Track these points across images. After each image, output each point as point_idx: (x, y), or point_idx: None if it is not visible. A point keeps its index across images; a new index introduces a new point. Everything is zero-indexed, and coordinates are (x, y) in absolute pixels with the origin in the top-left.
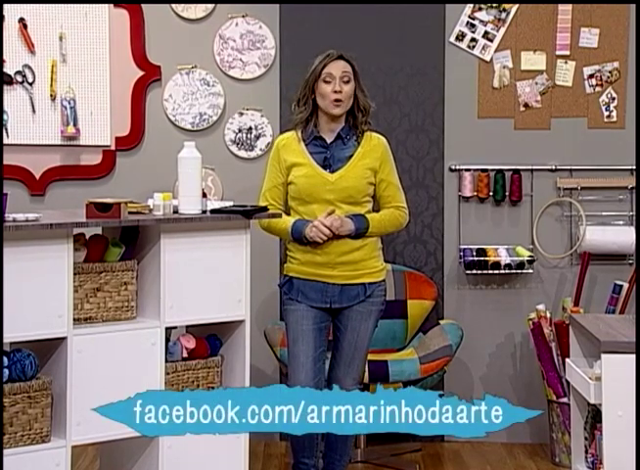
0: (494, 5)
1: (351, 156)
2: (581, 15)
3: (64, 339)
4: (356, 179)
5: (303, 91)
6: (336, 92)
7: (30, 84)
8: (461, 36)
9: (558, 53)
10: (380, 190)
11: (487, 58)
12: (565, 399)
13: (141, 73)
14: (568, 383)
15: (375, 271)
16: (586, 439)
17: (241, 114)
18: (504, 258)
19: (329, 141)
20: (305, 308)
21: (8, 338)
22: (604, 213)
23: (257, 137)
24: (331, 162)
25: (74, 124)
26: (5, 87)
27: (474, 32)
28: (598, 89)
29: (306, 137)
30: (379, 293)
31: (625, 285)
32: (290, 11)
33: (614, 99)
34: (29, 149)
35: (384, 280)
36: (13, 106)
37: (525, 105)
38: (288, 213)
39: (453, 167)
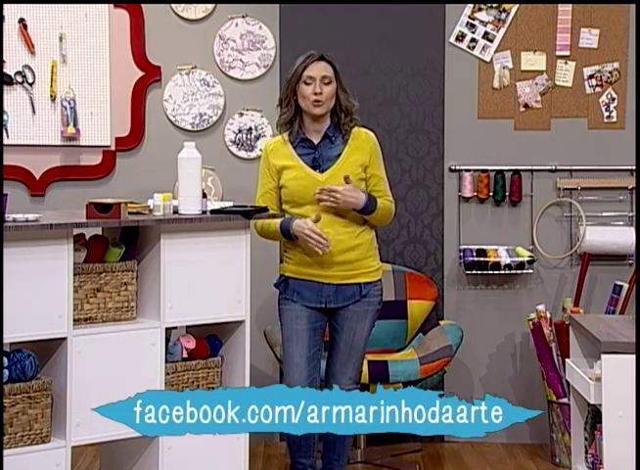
0: (494, 5)
1: (340, 154)
2: (581, 15)
3: (64, 339)
4: None
5: (285, 92)
6: (316, 94)
7: (30, 84)
8: (461, 37)
9: (558, 53)
10: (370, 185)
11: (487, 58)
12: (565, 400)
13: (141, 74)
14: (568, 383)
15: (371, 271)
16: (586, 439)
17: (241, 114)
18: (504, 259)
19: (316, 142)
20: (300, 308)
21: (8, 338)
22: (604, 214)
23: (257, 138)
24: (320, 162)
25: (74, 125)
26: (5, 87)
27: (474, 33)
28: (598, 90)
29: (293, 139)
30: (375, 292)
31: (625, 285)
32: (290, 11)
33: (614, 99)
34: (29, 149)
35: (380, 280)
36: (13, 106)
37: (525, 105)
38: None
39: (453, 168)
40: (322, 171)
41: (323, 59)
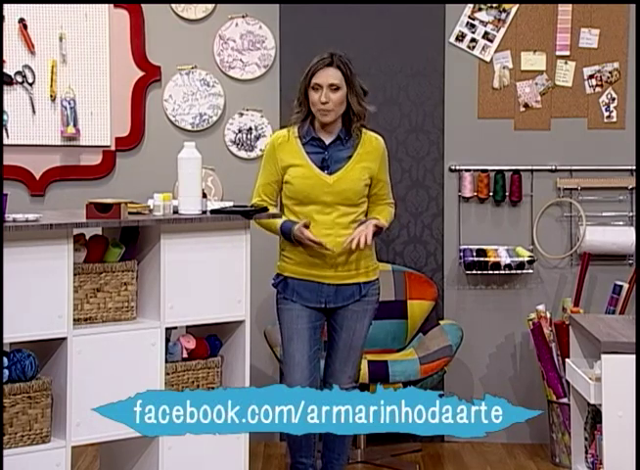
0: (494, 5)
1: (349, 157)
2: (581, 15)
3: (64, 339)
4: (354, 182)
5: (298, 94)
6: (322, 103)
7: (30, 84)
8: (461, 37)
9: (558, 53)
10: (376, 189)
11: (487, 58)
12: (565, 400)
13: (141, 74)
14: (568, 383)
15: (369, 270)
16: (586, 439)
17: (241, 114)
18: (504, 259)
19: (327, 142)
20: (300, 308)
21: (8, 338)
22: (604, 214)
23: (257, 138)
24: (329, 163)
25: (74, 125)
26: (5, 87)
27: (474, 33)
28: (598, 90)
29: (303, 136)
30: (373, 292)
31: (625, 285)
32: (290, 11)
33: (614, 99)
34: (29, 149)
35: (377, 279)
36: (13, 106)
37: (525, 105)
38: (281, 211)
39: (453, 168)
40: (330, 173)
41: (333, 64)
